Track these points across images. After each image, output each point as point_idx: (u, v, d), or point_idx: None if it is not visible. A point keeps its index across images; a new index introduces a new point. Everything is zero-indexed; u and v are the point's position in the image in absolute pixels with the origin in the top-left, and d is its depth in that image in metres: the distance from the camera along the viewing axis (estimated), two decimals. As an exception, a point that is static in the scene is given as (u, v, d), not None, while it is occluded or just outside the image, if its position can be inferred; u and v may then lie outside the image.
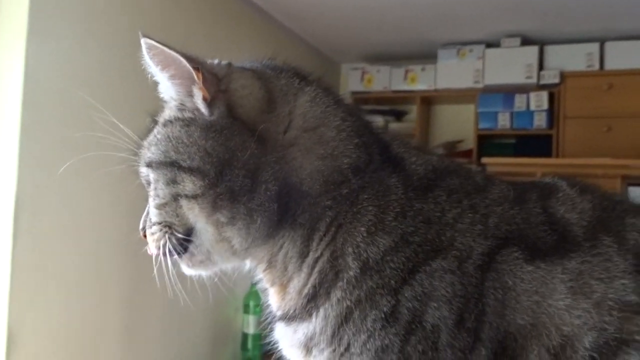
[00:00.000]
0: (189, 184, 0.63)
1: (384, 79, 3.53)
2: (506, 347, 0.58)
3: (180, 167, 0.64)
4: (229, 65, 0.69)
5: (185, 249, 0.66)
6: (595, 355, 0.56)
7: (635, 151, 2.93)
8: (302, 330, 0.64)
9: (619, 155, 2.91)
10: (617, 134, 3.04)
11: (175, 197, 0.65)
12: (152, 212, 0.67)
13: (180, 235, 0.65)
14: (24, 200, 1.63)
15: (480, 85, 3.32)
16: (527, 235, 0.62)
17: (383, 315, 0.60)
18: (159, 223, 0.66)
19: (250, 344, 2.67)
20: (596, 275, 0.59)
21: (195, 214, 0.65)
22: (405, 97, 3.51)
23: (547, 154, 3.17)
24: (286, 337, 0.67)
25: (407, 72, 3.49)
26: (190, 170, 0.63)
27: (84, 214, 1.85)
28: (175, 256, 0.67)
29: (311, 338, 0.63)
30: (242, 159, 0.63)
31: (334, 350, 0.61)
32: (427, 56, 3.43)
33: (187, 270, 0.69)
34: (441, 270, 0.60)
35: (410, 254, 0.61)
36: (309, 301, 0.63)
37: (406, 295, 0.60)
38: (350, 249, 0.62)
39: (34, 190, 1.65)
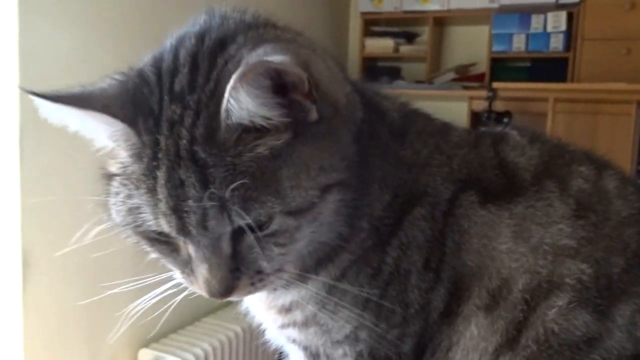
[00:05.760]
0: None
1: (395, -1, 3.38)
2: (458, 287, 0.60)
3: None
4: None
5: None
6: (527, 296, 0.57)
7: (654, 75, 2.83)
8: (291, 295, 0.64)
9: (637, 79, 2.82)
10: (637, 57, 2.92)
11: None
12: None
13: None
14: (28, 125, 1.61)
15: (495, 5, 3.16)
16: (482, 179, 0.63)
17: (372, 272, 0.61)
18: None
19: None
20: (537, 220, 0.59)
21: None
22: (417, 18, 3.37)
23: (562, 78, 3.07)
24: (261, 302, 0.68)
25: (419, -10, 3.33)
26: None
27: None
28: None
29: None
30: None
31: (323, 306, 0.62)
32: (440, -26, 3.26)
33: None
34: (419, 218, 0.61)
35: (398, 206, 0.61)
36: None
37: (392, 245, 0.60)
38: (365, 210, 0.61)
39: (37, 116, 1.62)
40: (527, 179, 0.62)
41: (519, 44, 3.16)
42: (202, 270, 0.54)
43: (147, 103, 0.53)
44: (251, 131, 0.51)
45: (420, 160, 0.62)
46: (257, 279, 0.56)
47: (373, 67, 3.47)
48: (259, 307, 0.69)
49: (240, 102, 0.49)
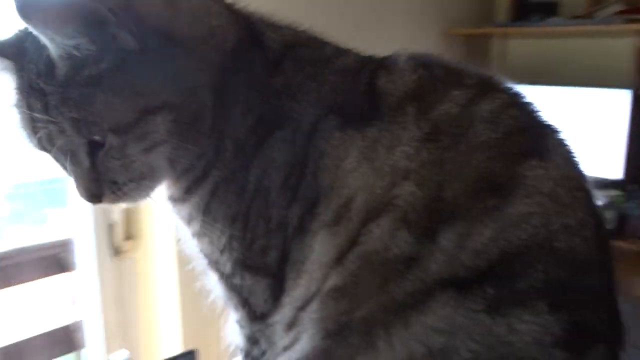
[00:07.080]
0: None
1: None
2: (314, 205, 0.64)
3: None
4: None
5: None
6: (362, 215, 0.61)
7: None
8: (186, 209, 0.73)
9: None
10: None
11: None
12: None
13: None
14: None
15: None
16: (347, 104, 0.66)
17: (239, 189, 0.67)
18: None
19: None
20: (386, 142, 0.62)
21: None
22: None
23: None
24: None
25: None
26: None
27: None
28: None
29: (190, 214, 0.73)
30: None
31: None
32: None
33: None
34: (280, 140, 0.66)
35: (262, 129, 0.66)
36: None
37: (254, 165, 0.66)
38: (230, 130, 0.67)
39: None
40: (390, 104, 0.64)
41: None
42: (72, 178, 0.65)
43: (23, 44, 0.63)
44: (76, 65, 0.59)
45: (290, 88, 0.67)
46: (116, 188, 0.64)
47: (524, 4, 3.10)
48: (177, 218, 0.78)
49: (51, 42, 0.58)
